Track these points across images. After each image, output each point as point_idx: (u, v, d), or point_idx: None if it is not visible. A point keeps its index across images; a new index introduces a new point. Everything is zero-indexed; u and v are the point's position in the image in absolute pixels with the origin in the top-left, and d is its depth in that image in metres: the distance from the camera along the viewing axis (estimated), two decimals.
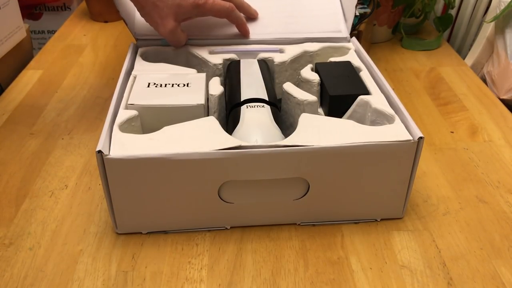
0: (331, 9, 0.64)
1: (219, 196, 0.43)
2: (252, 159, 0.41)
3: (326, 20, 0.63)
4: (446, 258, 0.43)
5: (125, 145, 0.41)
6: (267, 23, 0.62)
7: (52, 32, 1.11)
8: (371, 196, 0.45)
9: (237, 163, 0.41)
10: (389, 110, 0.46)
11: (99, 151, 0.39)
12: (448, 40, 1.00)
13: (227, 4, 0.57)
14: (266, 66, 0.56)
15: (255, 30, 0.62)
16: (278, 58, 0.57)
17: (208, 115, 0.49)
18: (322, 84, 0.53)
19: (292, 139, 0.42)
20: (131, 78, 0.52)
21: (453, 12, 0.92)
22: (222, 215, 0.45)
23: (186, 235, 0.45)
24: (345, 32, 0.62)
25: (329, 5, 0.65)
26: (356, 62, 0.56)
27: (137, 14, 0.60)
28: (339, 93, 0.50)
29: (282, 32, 0.62)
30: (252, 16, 0.62)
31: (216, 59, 0.57)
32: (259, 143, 0.42)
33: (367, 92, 0.50)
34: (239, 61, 0.56)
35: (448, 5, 0.87)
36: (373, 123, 0.47)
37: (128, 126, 0.45)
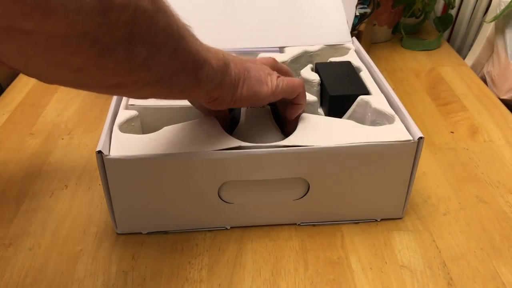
0: (337, 20, 0.63)
1: (219, 196, 0.43)
2: (252, 159, 0.41)
3: (333, 31, 0.62)
4: (446, 258, 0.43)
5: (125, 145, 0.41)
6: (274, 35, 0.62)
7: None
8: (371, 196, 0.45)
9: (237, 163, 0.41)
10: (389, 110, 0.46)
11: (99, 151, 0.39)
12: (448, 40, 1.00)
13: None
14: None
15: (260, 42, 0.61)
16: (278, 58, 0.57)
17: None
18: (322, 84, 0.52)
19: (292, 139, 0.42)
20: None
21: (453, 12, 0.92)
22: (222, 215, 0.45)
23: (186, 235, 0.45)
24: (349, 38, 0.62)
25: (335, 16, 0.64)
26: (356, 62, 0.56)
27: None
28: (339, 93, 0.50)
29: (289, 45, 0.61)
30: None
31: None
32: (259, 143, 0.42)
33: (367, 92, 0.49)
34: None
35: (448, 5, 0.87)
36: (373, 123, 0.47)
37: (128, 126, 0.45)
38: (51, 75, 0.26)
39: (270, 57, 0.46)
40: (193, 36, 0.32)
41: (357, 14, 0.73)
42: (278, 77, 0.41)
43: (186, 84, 0.33)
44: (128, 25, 0.25)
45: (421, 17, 0.88)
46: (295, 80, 0.43)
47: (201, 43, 0.34)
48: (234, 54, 0.39)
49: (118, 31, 0.25)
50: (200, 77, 0.33)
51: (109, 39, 0.24)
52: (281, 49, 0.60)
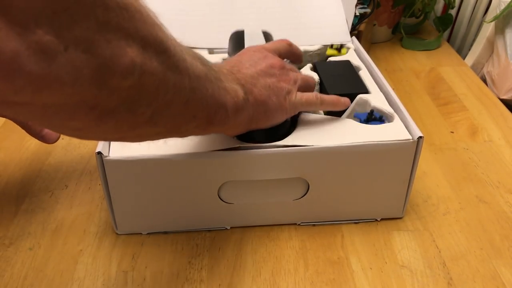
0: (337, 21, 0.63)
1: (219, 197, 0.43)
2: (252, 159, 0.41)
3: (332, 31, 0.62)
4: (446, 258, 0.43)
5: (124, 146, 0.41)
6: (274, 35, 0.62)
7: None
8: (371, 196, 0.45)
9: (237, 163, 0.41)
10: (388, 108, 0.46)
11: (99, 153, 0.39)
12: (448, 40, 1.00)
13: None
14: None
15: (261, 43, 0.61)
16: None
17: None
18: (321, 83, 0.52)
19: (291, 139, 0.41)
20: None
21: (453, 12, 0.92)
22: (222, 215, 0.45)
23: (186, 235, 0.45)
24: (349, 38, 0.62)
25: (335, 16, 0.64)
26: (355, 61, 0.56)
27: None
28: (338, 92, 0.50)
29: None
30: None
31: (216, 59, 0.57)
32: (259, 142, 0.41)
33: (366, 91, 0.49)
34: (242, 31, 0.53)
35: (448, 5, 0.87)
36: None
37: None
38: (53, 130, 0.25)
39: (285, 41, 0.45)
40: (210, 80, 0.30)
41: (357, 14, 0.73)
42: (297, 91, 0.41)
43: (196, 130, 0.32)
44: (132, 89, 0.23)
45: (421, 17, 0.88)
46: (312, 97, 0.42)
47: (218, 86, 0.31)
48: (252, 74, 0.37)
49: (119, 96, 0.23)
50: (212, 121, 0.32)
51: (109, 104, 0.23)
52: None
